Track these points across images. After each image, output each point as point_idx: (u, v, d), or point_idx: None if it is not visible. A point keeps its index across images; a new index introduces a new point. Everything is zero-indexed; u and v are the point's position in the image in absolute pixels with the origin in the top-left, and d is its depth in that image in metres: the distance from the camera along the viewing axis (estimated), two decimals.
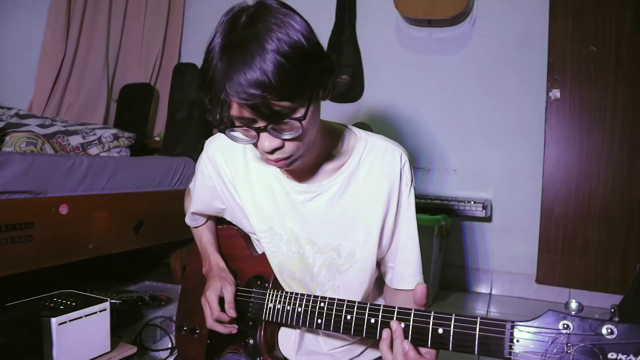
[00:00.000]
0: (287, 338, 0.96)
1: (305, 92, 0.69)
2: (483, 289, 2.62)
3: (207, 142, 0.99)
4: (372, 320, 0.75)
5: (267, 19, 0.66)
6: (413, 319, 0.70)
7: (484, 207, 2.36)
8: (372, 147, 0.88)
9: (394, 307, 0.73)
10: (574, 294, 2.36)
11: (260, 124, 0.69)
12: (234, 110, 0.68)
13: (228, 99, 0.67)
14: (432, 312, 0.69)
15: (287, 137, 0.71)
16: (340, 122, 0.93)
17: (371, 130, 0.94)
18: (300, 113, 0.70)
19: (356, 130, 0.91)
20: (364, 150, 0.88)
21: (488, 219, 2.56)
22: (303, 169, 0.87)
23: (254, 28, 0.66)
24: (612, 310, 0.57)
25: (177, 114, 2.57)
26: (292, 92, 0.67)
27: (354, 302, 0.78)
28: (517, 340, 0.61)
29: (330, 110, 2.74)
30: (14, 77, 2.47)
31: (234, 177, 0.94)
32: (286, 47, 0.65)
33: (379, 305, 0.75)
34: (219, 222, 1.10)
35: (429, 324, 0.68)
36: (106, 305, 1.16)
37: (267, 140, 0.71)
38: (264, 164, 0.91)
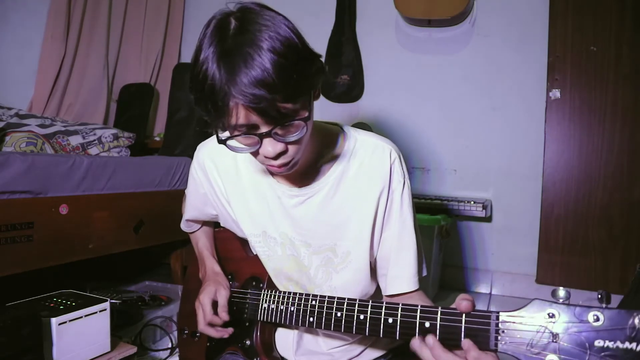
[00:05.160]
0: (285, 338, 0.96)
1: (304, 91, 0.69)
2: (483, 289, 2.62)
3: (197, 147, 0.98)
4: (362, 317, 0.74)
5: (256, 20, 0.66)
6: (400, 314, 0.70)
7: (484, 207, 2.36)
8: (361, 145, 0.87)
9: (382, 302, 0.73)
10: (574, 293, 2.35)
11: (264, 129, 0.68)
12: (239, 117, 0.66)
13: (234, 103, 0.65)
14: (419, 306, 0.68)
15: (292, 139, 0.70)
16: (335, 121, 0.92)
17: (371, 130, 0.93)
18: (304, 114, 0.70)
19: (346, 128, 0.90)
20: (353, 148, 0.87)
21: (488, 219, 2.56)
22: (294, 171, 0.85)
23: (246, 32, 0.65)
24: (600, 296, 0.55)
25: (177, 114, 2.57)
26: (294, 92, 0.66)
27: (344, 299, 0.78)
28: (503, 331, 0.60)
29: (330, 110, 2.78)
30: (14, 77, 2.47)
31: (224, 183, 0.94)
32: (280, 45, 0.65)
33: (368, 301, 0.75)
34: (217, 225, 1.10)
35: (416, 318, 0.68)
36: (106, 305, 1.16)
37: (271, 146, 0.70)
38: (254, 169, 0.90)
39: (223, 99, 0.65)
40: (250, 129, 0.69)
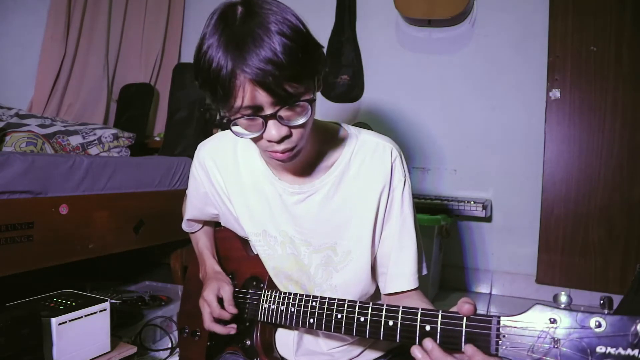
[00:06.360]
0: (285, 338, 0.95)
1: (310, 74, 0.70)
2: (483, 289, 2.62)
3: (198, 146, 0.98)
4: (362, 319, 0.74)
5: (263, 6, 0.68)
6: (401, 317, 0.70)
7: (484, 207, 2.36)
8: (362, 144, 0.87)
9: (383, 305, 0.73)
10: (574, 293, 2.35)
11: (269, 110, 0.68)
12: (245, 96, 0.67)
13: (240, 80, 0.66)
14: (420, 309, 0.68)
15: (298, 122, 0.71)
16: (336, 121, 0.92)
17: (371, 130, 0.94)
18: (309, 96, 0.71)
19: (347, 127, 0.90)
20: (354, 147, 0.87)
21: (488, 219, 2.56)
22: (295, 169, 0.86)
23: (255, 15, 0.67)
24: (602, 302, 0.55)
25: (177, 114, 2.57)
26: (301, 73, 0.68)
27: (344, 300, 0.78)
28: (504, 336, 0.59)
29: (330, 110, 2.78)
30: (14, 77, 2.47)
31: (225, 182, 0.93)
32: (288, 29, 0.66)
33: (368, 303, 0.74)
34: (217, 224, 1.10)
35: (417, 321, 0.67)
36: (106, 305, 1.16)
37: (275, 129, 0.70)
38: (255, 167, 0.90)
39: (230, 77, 0.66)
40: (255, 111, 0.69)
